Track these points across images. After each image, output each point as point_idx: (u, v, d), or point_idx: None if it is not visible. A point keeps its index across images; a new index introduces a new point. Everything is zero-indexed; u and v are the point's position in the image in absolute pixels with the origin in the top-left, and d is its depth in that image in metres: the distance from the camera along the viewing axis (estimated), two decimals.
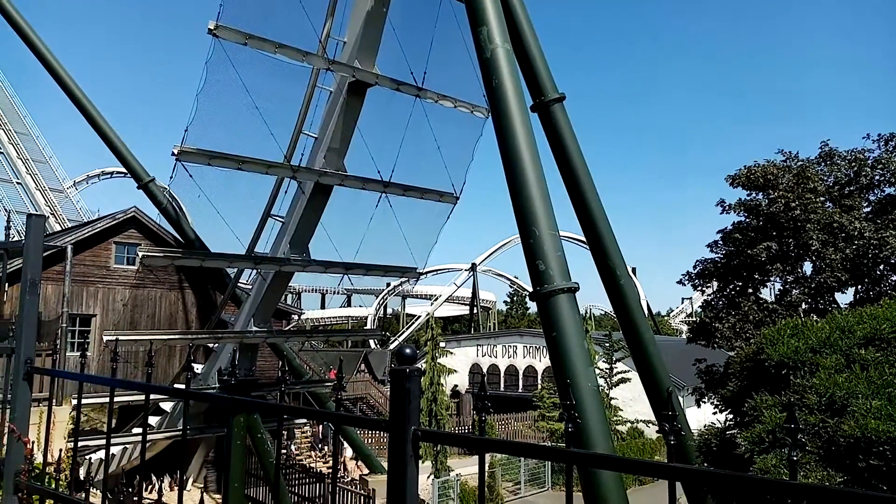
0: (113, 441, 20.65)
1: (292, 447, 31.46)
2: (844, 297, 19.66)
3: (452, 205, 22.81)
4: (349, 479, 26.66)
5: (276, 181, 21.49)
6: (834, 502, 1.54)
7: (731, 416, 9.11)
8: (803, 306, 18.71)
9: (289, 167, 19.27)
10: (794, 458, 1.71)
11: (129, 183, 26.00)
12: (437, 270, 77.03)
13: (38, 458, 4.25)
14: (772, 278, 19.95)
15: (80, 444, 18.72)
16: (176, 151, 17.01)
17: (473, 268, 75.27)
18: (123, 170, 29.32)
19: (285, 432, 31.24)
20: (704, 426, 9.56)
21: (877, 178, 19.26)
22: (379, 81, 19.52)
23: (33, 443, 4.43)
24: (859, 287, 18.78)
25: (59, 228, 46.47)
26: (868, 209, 19.39)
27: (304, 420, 30.59)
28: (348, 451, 30.67)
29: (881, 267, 18.17)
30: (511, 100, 12.01)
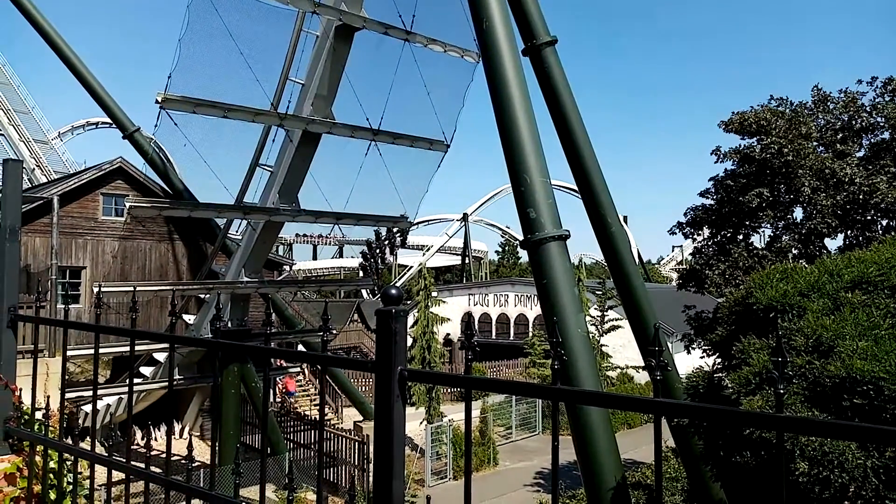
0: (103, 391, 20.83)
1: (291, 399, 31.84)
2: (834, 243, 19.77)
3: (443, 153, 22.54)
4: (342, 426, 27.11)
5: (264, 129, 21.17)
6: (815, 433, 1.52)
7: (719, 360, 9.20)
8: (793, 252, 18.80)
9: (276, 115, 18.93)
10: (781, 392, 1.69)
11: (115, 133, 25.56)
12: (428, 221, 77.03)
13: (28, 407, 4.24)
14: (763, 225, 19.99)
15: (73, 394, 18.87)
16: (160, 99, 16.65)
17: (465, 218, 75.23)
18: (109, 120, 28.74)
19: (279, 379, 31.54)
20: (693, 370, 9.66)
21: (871, 122, 19.10)
22: (367, 25, 19.03)
23: (21, 390, 4.42)
24: (849, 233, 18.83)
25: (44, 180, 45.84)
26: (860, 154, 19.28)
27: (297, 369, 30.90)
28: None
29: (871, 213, 18.19)
30: (502, 43, 11.74)
